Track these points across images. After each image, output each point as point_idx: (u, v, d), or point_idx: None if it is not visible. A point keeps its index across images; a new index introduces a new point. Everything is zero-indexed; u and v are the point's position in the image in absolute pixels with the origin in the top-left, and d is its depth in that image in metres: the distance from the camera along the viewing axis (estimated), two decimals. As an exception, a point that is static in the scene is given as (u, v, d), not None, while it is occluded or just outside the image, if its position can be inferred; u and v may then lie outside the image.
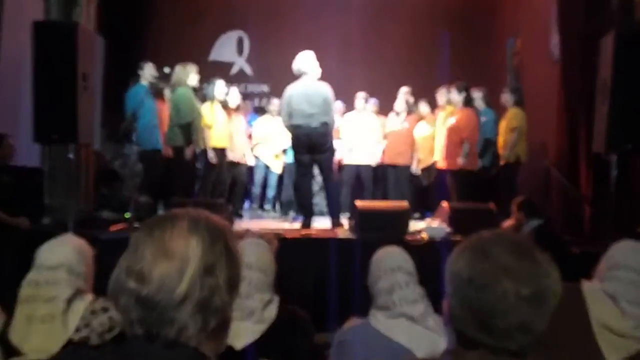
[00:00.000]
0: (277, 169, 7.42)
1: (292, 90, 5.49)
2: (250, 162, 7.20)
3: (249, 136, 7.27)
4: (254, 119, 7.66)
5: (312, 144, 5.42)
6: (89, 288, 1.97)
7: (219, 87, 6.41)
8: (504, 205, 5.22)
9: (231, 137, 6.66)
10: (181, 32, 9.22)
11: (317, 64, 5.47)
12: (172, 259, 0.98)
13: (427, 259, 2.52)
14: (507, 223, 4.75)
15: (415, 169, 7.12)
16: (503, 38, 8.52)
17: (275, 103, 7.45)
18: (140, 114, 5.91)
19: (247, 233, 2.80)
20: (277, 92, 8.59)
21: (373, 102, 7.81)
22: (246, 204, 7.22)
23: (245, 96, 8.33)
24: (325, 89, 5.43)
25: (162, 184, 5.88)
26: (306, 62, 5.44)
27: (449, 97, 6.39)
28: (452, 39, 8.97)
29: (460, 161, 6.06)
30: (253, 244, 2.16)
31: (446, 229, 4.90)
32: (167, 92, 6.28)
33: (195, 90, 6.01)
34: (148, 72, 6.04)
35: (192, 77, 5.89)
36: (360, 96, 7.52)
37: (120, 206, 5.87)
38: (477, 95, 6.46)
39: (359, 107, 7.48)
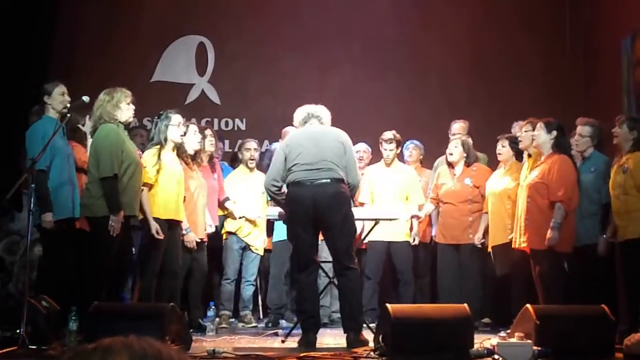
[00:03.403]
0: (259, 249, 7.57)
1: (291, 137, 5.93)
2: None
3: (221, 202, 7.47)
4: (225, 172, 7.86)
5: (318, 212, 5.57)
6: None
7: (174, 123, 6.46)
8: (627, 307, 5.25)
9: (194, 205, 6.75)
10: (107, 39, 9.31)
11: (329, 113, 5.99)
12: None
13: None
14: (635, 338, 4.77)
15: (480, 242, 7.27)
16: (613, 38, 8.49)
17: (253, 149, 7.63)
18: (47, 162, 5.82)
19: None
20: (258, 130, 8.82)
21: (412, 147, 7.85)
22: (210, 310, 7.10)
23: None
24: (343, 134, 5.88)
25: (73, 277, 5.86)
26: (315, 107, 5.97)
27: (525, 135, 6.60)
28: (531, 45, 9.17)
29: (550, 237, 6.03)
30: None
31: (532, 347, 4.83)
32: (87, 129, 6.37)
33: (129, 129, 6.12)
34: (58, 97, 6.03)
35: (123, 108, 5.94)
36: (389, 138, 7.55)
37: (5, 316, 5.62)
38: (583, 130, 6.50)
39: (388, 154, 7.59)
